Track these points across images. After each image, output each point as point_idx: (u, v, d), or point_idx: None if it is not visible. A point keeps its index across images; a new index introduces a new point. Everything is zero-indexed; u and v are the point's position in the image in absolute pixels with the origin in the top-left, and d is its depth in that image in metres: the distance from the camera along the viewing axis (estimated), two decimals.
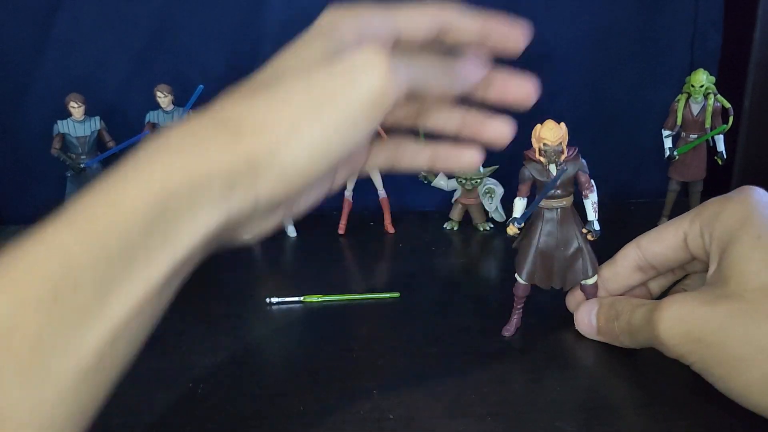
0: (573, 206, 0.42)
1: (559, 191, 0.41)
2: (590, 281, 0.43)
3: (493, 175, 0.62)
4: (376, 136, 0.32)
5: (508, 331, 0.44)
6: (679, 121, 0.59)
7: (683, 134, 0.59)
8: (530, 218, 0.42)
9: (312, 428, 0.36)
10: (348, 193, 0.64)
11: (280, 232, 0.64)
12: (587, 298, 0.43)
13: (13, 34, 0.64)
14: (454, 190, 0.65)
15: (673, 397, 0.37)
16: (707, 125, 0.58)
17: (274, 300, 0.50)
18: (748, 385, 0.32)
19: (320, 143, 0.26)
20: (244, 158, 0.25)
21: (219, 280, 0.55)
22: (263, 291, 0.52)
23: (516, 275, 0.44)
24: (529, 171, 0.42)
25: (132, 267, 0.22)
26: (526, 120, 0.35)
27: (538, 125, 0.37)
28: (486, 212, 0.65)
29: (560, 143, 0.39)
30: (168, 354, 0.43)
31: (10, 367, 0.20)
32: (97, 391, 0.23)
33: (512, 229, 0.40)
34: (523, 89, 0.32)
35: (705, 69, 0.58)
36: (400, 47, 0.30)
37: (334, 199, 0.66)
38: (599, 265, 0.43)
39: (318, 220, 0.68)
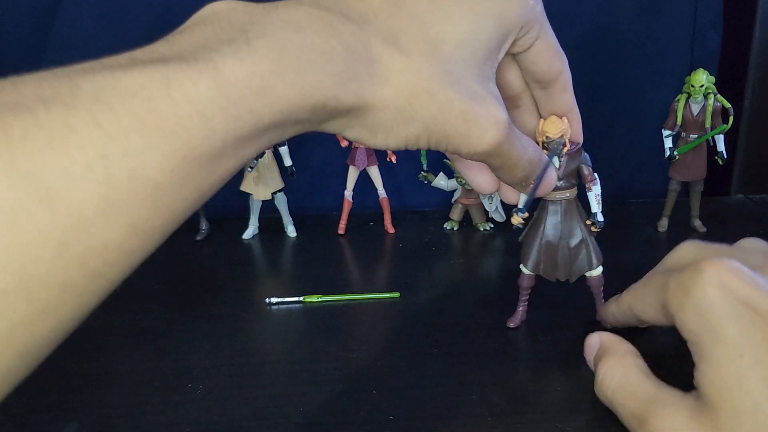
0: (577, 198, 0.43)
1: (562, 182, 0.41)
2: (595, 273, 0.43)
3: None
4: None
5: (513, 322, 0.45)
6: (679, 121, 0.59)
7: (683, 134, 0.60)
8: (535, 211, 0.43)
9: (312, 428, 0.36)
10: (348, 193, 0.64)
11: (280, 232, 0.64)
12: (592, 291, 0.44)
13: (13, 34, 0.64)
14: (454, 190, 0.65)
15: None
16: (707, 125, 0.58)
17: (274, 300, 0.50)
18: None
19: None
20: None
21: (219, 280, 0.55)
22: (263, 291, 0.52)
23: (521, 266, 0.44)
24: None
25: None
26: None
27: (541, 120, 0.37)
28: (486, 212, 0.65)
29: (562, 136, 0.39)
30: (168, 354, 0.43)
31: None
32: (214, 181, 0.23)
33: (516, 219, 0.40)
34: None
35: (705, 69, 0.57)
36: None
37: (334, 199, 0.66)
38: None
39: (318, 220, 0.68)
